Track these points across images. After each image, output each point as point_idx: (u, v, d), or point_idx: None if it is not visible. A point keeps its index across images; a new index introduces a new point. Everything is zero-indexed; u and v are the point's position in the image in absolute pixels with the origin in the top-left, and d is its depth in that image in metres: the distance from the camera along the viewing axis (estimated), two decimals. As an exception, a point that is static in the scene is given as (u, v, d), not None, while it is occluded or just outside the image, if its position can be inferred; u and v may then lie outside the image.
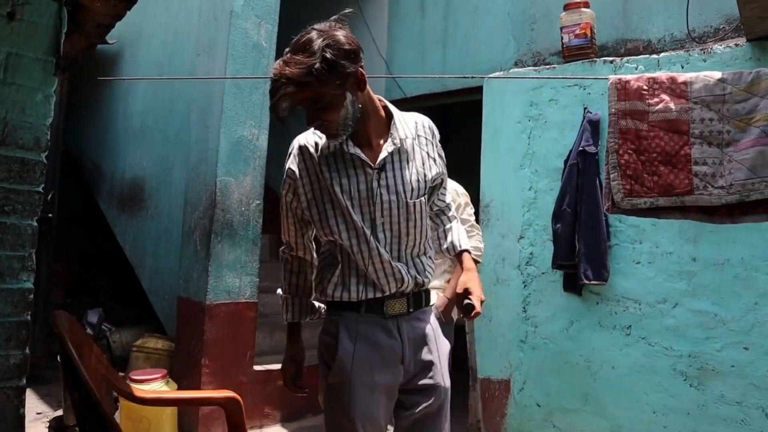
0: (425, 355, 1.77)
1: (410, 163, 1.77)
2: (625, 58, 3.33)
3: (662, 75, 1.93)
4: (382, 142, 1.74)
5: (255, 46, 4.06)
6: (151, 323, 4.93)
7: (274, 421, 4.22)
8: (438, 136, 1.90)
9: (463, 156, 4.19)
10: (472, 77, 3.52)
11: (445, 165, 1.91)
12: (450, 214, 2.00)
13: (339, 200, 1.71)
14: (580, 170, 3.23)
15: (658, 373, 3.07)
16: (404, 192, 1.73)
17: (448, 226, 1.98)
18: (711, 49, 3.05)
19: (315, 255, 1.93)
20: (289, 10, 4.44)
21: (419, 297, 1.81)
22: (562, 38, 3.60)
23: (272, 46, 4.16)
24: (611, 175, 1.97)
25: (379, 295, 1.74)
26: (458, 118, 6.61)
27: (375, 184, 1.71)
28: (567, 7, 3.60)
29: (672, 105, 1.88)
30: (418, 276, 1.77)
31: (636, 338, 3.15)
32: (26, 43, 1.67)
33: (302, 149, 1.82)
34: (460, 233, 1.99)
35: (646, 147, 1.90)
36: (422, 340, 1.78)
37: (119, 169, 5.59)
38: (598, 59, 3.45)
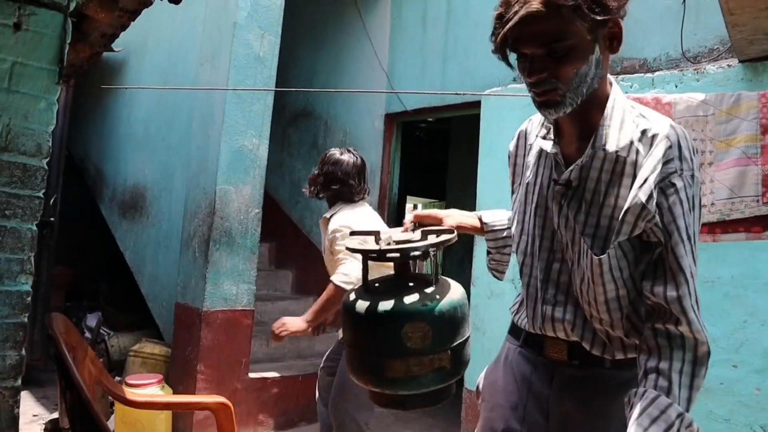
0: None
1: (607, 196, 1.19)
2: (620, 76, 3.38)
3: (647, 96, 1.99)
4: (584, 146, 1.23)
5: (257, 57, 4.13)
6: (149, 329, 4.96)
7: (268, 428, 4.24)
8: (682, 167, 1.15)
9: (461, 168, 4.22)
10: (464, 94, 3.57)
11: (686, 235, 1.16)
12: (675, 360, 1.12)
13: (522, 200, 1.38)
14: (574, 186, 3.27)
15: (648, 388, 3.09)
16: (582, 234, 1.22)
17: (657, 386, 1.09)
18: (704, 69, 3.10)
19: None
20: (291, 23, 4.51)
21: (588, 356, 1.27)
22: (559, 55, 3.65)
23: (274, 57, 4.22)
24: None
25: (537, 331, 1.34)
26: (458, 131, 6.67)
27: (555, 206, 1.28)
28: (565, 25, 3.66)
29: (656, 125, 1.92)
30: (587, 335, 1.27)
31: (627, 353, 3.17)
32: (31, 53, 1.72)
33: (522, 130, 1.49)
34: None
35: (630, 165, 1.95)
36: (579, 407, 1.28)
37: (121, 175, 5.65)
38: (594, 77, 3.50)
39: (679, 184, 1.13)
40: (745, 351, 2.86)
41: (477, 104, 4.03)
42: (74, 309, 5.73)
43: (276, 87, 4.27)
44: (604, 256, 1.17)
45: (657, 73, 3.28)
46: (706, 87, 2.93)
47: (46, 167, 1.75)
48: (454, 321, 1.27)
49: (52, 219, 4.76)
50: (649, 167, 1.14)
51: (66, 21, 1.79)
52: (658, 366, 1.10)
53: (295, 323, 2.57)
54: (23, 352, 1.68)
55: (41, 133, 1.74)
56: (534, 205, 1.33)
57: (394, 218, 4.94)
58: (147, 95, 5.36)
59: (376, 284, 1.33)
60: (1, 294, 1.65)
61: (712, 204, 1.86)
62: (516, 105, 3.73)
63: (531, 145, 1.40)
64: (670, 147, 1.14)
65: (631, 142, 1.17)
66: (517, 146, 1.47)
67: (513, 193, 1.48)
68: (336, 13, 5.61)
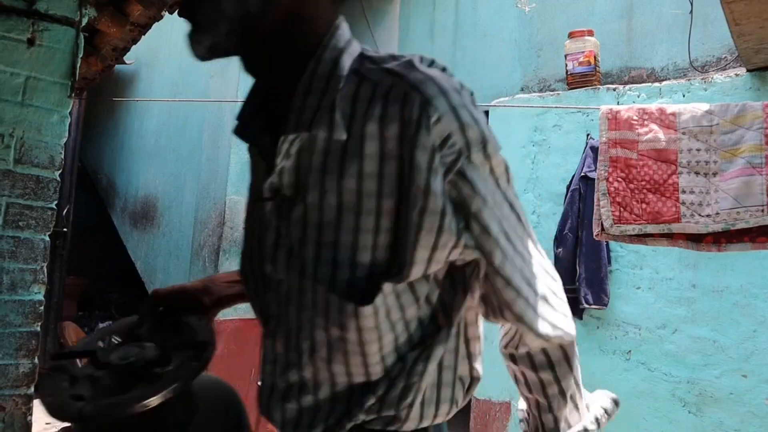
0: None
1: (345, 211, 0.71)
2: (627, 86, 3.39)
3: (651, 106, 2.00)
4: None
5: (267, 68, 4.16)
6: (160, 338, 4.99)
7: (277, 438, 4.25)
8: (469, 142, 0.70)
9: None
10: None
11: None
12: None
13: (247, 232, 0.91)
14: (582, 195, 3.28)
15: (657, 398, 3.08)
16: (316, 279, 0.74)
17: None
18: (712, 78, 3.10)
19: None
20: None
21: None
22: (566, 65, 3.67)
23: (284, 68, 4.26)
24: (601, 202, 2.03)
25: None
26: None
27: (271, 234, 0.80)
28: (571, 35, 3.68)
29: (661, 135, 1.94)
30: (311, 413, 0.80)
31: (636, 363, 3.16)
32: (44, 67, 1.76)
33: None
34: None
35: (635, 175, 1.97)
36: None
37: (133, 186, 5.70)
38: (601, 86, 3.51)
39: (472, 174, 0.70)
40: (755, 360, 2.85)
41: (485, 114, 4.05)
42: (86, 318, 5.78)
43: (285, 98, 4.31)
44: (368, 308, 0.71)
45: (664, 83, 3.28)
46: (714, 96, 2.94)
47: (58, 179, 1.79)
48: None
49: (64, 229, 4.81)
50: (422, 162, 0.67)
51: (78, 36, 1.82)
52: (539, 406, 0.90)
53: None
54: (36, 360, 1.71)
55: (54, 146, 1.78)
56: (250, 237, 0.87)
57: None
58: (158, 107, 5.42)
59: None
60: (14, 303, 1.68)
61: (717, 214, 1.86)
62: (524, 115, 3.75)
63: None
64: (439, 118, 0.67)
65: (355, 114, 0.70)
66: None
67: None
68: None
